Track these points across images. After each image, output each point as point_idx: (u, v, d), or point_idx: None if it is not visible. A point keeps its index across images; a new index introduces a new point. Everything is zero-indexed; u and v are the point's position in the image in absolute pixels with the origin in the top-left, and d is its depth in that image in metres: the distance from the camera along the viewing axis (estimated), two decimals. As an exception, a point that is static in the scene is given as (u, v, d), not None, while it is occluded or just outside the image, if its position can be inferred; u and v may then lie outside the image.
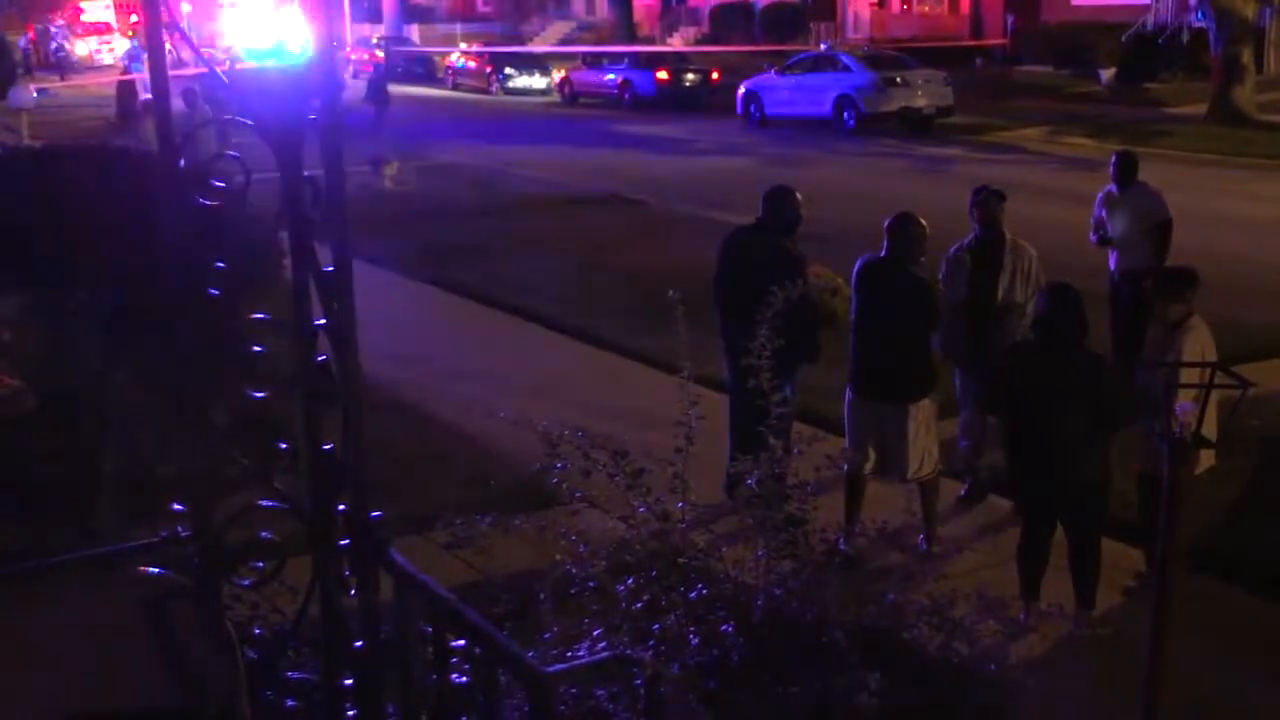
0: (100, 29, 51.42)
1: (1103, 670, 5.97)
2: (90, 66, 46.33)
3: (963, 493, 7.99)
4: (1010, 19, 38.16)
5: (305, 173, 3.14)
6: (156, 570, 3.40)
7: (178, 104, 17.77)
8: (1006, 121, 28.19)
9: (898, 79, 28.09)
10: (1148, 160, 22.77)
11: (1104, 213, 9.94)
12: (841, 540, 6.64)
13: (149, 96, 3.71)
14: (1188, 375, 5.51)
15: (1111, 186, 9.82)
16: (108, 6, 51.27)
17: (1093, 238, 10.09)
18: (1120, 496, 6.85)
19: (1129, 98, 31.30)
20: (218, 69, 3.47)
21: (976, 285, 7.73)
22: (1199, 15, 28.52)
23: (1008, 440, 6.64)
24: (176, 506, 3.47)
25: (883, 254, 7.29)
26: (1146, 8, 34.98)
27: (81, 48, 49.52)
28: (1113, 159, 10.13)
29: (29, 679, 2.91)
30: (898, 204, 7.89)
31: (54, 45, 48.94)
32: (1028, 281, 7.69)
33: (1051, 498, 6.44)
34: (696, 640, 4.71)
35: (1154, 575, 5.45)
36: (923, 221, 7.31)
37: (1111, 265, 9.99)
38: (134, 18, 45.82)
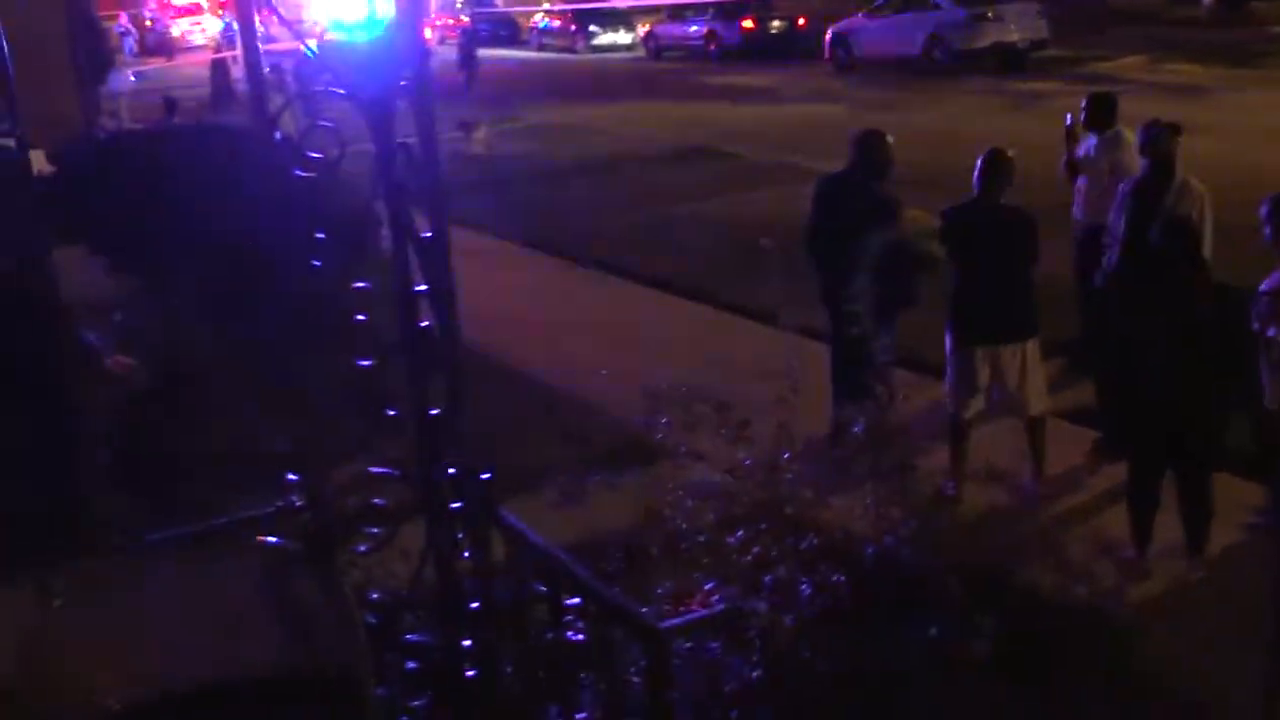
0: (192, 10, 52.35)
1: (1227, 612, 5.84)
2: (185, 47, 47.25)
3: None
4: (1104, -55, 37.08)
5: (399, 140, 3.16)
6: (274, 540, 3.47)
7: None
8: (1104, 52, 27.44)
9: (989, 14, 27.42)
10: (1255, 83, 22.22)
11: (1077, 153, 9.00)
12: (950, 485, 6.59)
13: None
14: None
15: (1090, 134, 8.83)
16: None
17: (1062, 168, 9.08)
18: (1244, 430, 6.66)
19: (1231, 20, 30.29)
20: (308, 43, 3.50)
21: (1133, 226, 7.53)
22: (1305, -72, 27.46)
23: (1121, 380, 6.47)
24: (290, 476, 3.54)
25: (975, 193, 7.17)
26: (1248, -75, 33.80)
27: (175, 29, 50.57)
28: (1084, 101, 9.02)
29: (154, 649, 2.99)
30: (995, 143, 7.73)
31: (154, 28, 50.20)
32: None
33: (1167, 439, 6.27)
34: (808, 590, 4.70)
35: (1275, 515, 5.32)
36: (1011, 154, 7.19)
37: (1077, 213, 8.95)
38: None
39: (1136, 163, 8.57)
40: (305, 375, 3.56)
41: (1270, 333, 5.87)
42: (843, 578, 4.69)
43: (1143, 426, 6.36)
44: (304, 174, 3.31)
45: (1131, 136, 8.69)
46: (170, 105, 19.52)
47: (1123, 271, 7.40)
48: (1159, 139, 7.74)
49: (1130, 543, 6.30)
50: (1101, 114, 8.83)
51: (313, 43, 3.60)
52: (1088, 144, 8.89)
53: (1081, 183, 8.87)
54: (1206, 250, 7.65)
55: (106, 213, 7.46)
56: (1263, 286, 6.23)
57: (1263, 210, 6.41)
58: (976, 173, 7.16)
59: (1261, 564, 5.05)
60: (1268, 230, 6.37)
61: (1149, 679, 4.89)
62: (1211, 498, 6.29)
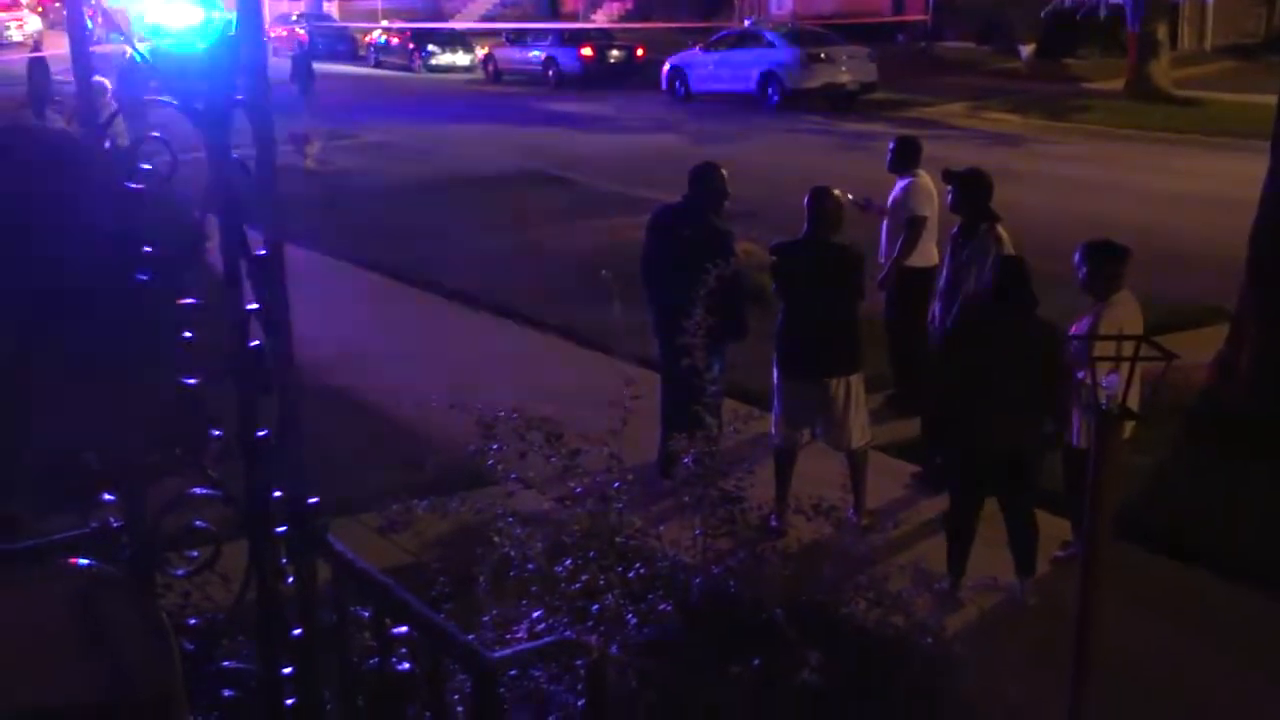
0: (10, 5, 50.19)
1: (1034, 639, 6.07)
2: (1, 44, 45.25)
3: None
4: (931, -5, 38.44)
5: (234, 154, 3.08)
6: (87, 561, 3.33)
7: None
8: (929, 97, 28.44)
9: (821, 55, 28.21)
10: (1068, 135, 23.27)
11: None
12: (774, 517, 6.70)
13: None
14: (1105, 348, 5.59)
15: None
16: None
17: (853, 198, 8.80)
18: (1044, 467, 6.95)
19: (1048, 73, 31.71)
20: (139, 46, 3.39)
21: (951, 269, 7.89)
22: (1116, -9, 28.91)
23: (948, 412, 6.68)
24: (107, 496, 3.41)
25: (804, 231, 7.33)
26: (1065, -17, 35.48)
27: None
28: (890, 144, 9.15)
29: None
30: (822, 180, 7.93)
31: None
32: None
33: (994, 469, 6.51)
34: (634, 620, 4.71)
35: (1081, 545, 5.56)
36: (837, 193, 7.39)
37: (881, 255, 9.07)
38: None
39: (927, 206, 8.84)
40: (126, 390, 3.43)
41: (1079, 375, 6.15)
42: (670, 608, 4.72)
43: (970, 460, 6.58)
44: (135, 186, 3.20)
45: (929, 181, 8.96)
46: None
47: (950, 312, 7.66)
48: (968, 187, 7.97)
49: (946, 574, 6.51)
50: (905, 158, 8.97)
51: (144, 48, 3.48)
52: (894, 187, 9.13)
53: (885, 224, 9.11)
54: None
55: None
56: (1073, 330, 6.52)
57: (1076, 255, 6.72)
58: (806, 210, 7.33)
59: (1067, 594, 5.25)
60: (1081, 274, 6.68)
61: (963, 708, 5.04)
62: (1036, 522, 6.57)
